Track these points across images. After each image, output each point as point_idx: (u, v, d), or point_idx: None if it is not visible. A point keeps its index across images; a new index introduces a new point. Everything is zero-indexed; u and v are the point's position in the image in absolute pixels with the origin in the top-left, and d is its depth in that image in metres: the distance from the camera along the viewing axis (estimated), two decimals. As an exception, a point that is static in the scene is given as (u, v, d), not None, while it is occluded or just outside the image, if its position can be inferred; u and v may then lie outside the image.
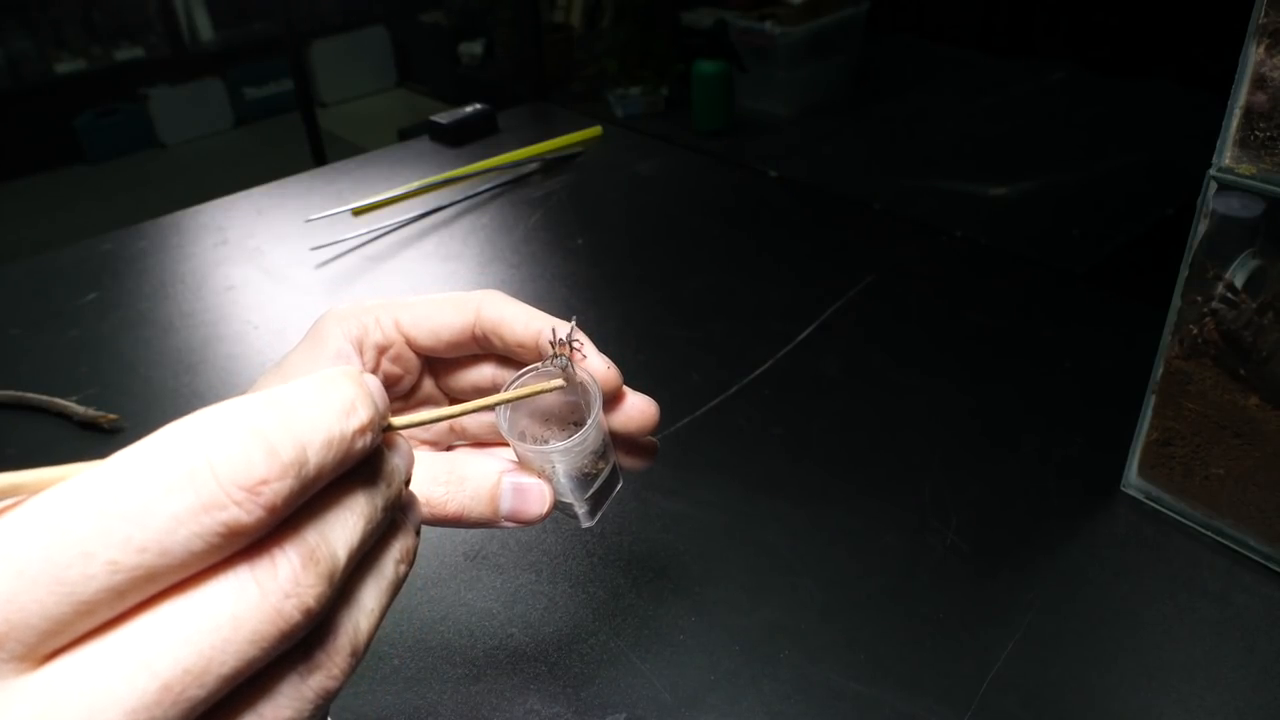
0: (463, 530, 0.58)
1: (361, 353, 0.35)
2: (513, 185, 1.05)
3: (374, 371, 0.36)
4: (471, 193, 1.02)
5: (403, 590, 0.53)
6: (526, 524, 0.34)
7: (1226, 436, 0.52)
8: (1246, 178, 0.47)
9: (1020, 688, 0.47)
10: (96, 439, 0.67)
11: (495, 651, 0.50)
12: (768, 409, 0.67)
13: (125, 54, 3.43)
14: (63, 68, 3.31)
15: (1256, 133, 0.46)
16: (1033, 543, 0.55)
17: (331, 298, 0.85)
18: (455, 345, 0.36)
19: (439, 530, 0.58)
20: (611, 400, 0.36)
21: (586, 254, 0.90)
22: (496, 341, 0.36)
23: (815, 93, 2.32)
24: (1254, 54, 0.45)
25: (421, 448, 0.40)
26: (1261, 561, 0.53)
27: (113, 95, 3.37)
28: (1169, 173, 1.79)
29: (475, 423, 0.39)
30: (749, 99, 2.32)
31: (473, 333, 0.36)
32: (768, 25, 2.23)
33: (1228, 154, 0.47)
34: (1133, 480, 0.58)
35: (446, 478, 0.33)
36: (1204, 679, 0.47)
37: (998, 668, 0.48)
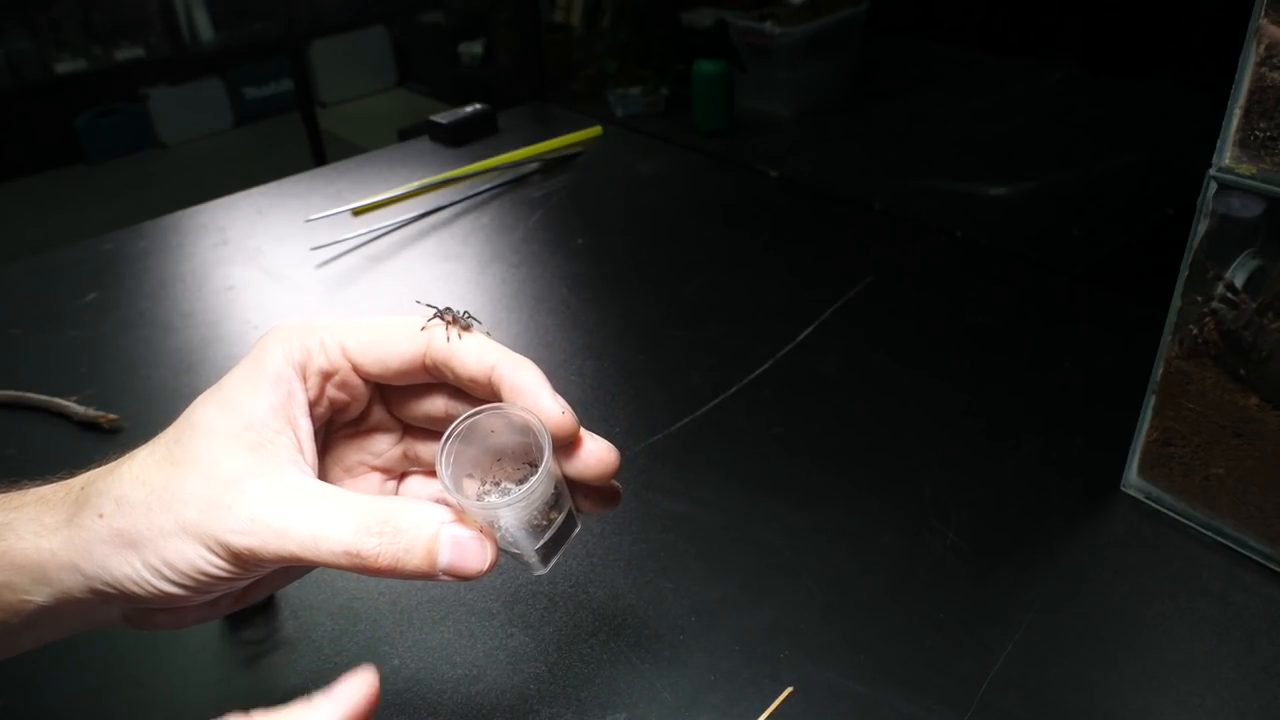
0: (463, 530, 0.58)
1: (305, 378, 0.34)
2: (513, 185, 1.05)
3: (317, 398, 0.35)
4: (471, 193, 1.02)
5: (402, 590, 0.53)
6: (466, 579, 0.32)
7: (1226, 436, 0.52)
8: (1246, 178, 0.47)
9: (1020, 688, 0.47)
10: (96, 439, 0.67)
11: (495, 651, 0.50)
12: (768, 409, 0.67)
13: (125, 54, 3.43)
14: (63, 68, 3.31)
15: (1256, 133, 0.46)
16: (1033, 543, 0.55)
17: (331, 298, 0.85)
18: (405, 375, 0.35)
19: (439, 530, 0.58)
20: (567, 446, 0.34)
21: (586, 254, 0.90)
22: (448, 374, 0.34)
23: (815, 93, 2.32)
24: (1254, 54, 0.45)
25: (370, 474, 0.39)
26: (1261, 561, 0.53)
27: (113, 95, 3.37)
28: (1169, 173, 1.79)
29: (430, 451, 0.37)
30: (749, 99, 2.32)
31: (423, 363, 0.34)
32: (768, 25, 2.23)
33: (1228, 154, 0.47)
34: (1133, 480, 0.58)
35: (380, 528, 0.31)
36: (1204, 679, 0.47)
37: (998, 668, 0.48)
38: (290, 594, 0.54)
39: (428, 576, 0.32)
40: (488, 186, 1.04)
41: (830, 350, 0.73)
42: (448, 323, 0.34)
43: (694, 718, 0.46)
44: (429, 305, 0.35)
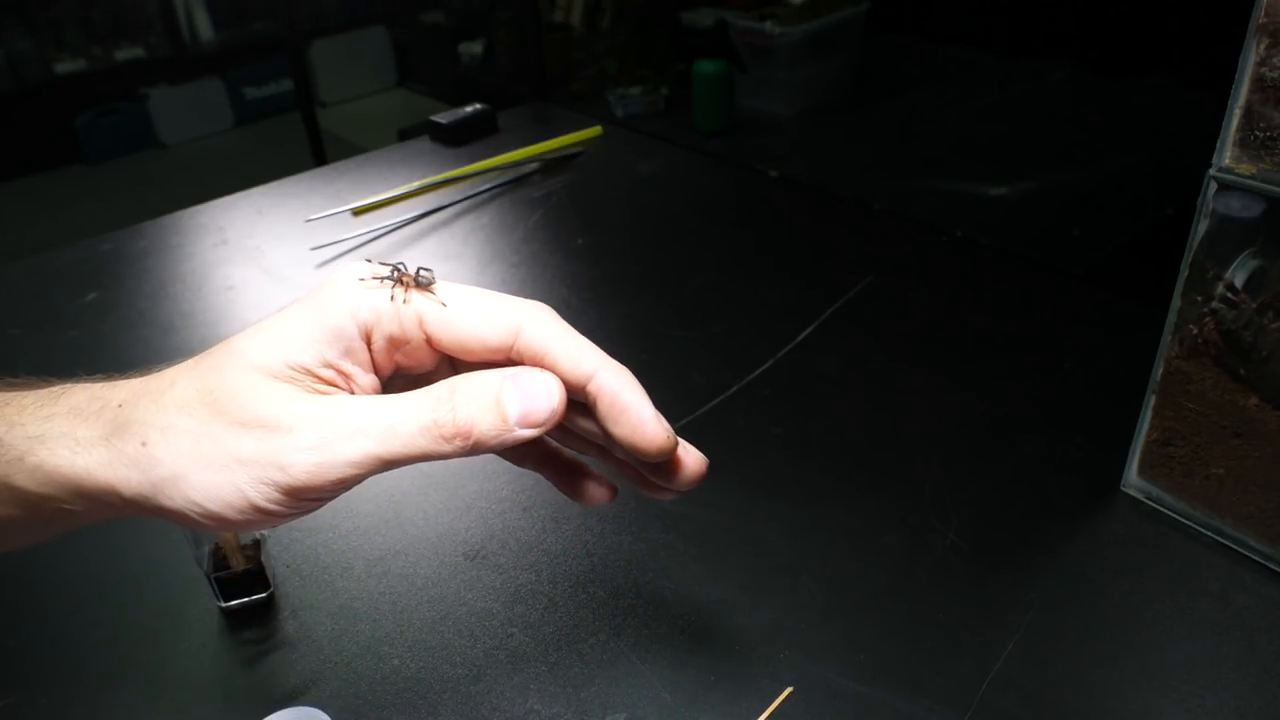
0: (463, 530, 0.58)
1: (369, 341, 0.32)
2: (513, 185, 1.05)
3: (381, 365, 0.33)
4: (471, 193, 1.02)
5: (402, 590, 0.53)
6: (542, 425, 0.30)
7: (1226, 436, 0.52)
8: (1246, 178, 0.47)
9: (1020, 688, 0.47)
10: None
11: (495, 651, 0.50)
12: (768, 409, 0.67)
13: (125, 54, 3.43)
14: (63, 68, 3.31)
15: (1256, 133, 0.46)
16: (1033, 543, 0.55)
17: (331, 298, 0.85)
18: (485, 361, 0.32)
19: (439, 530, 0.58)
20: (664, 466, 0.33)
21: (587, 254, 0.90)
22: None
23: (815, 93, 2.32)
24: (1254, 54, 0.45)
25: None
26: (1261, 561, 0.53)
27: (113, 95, 3.37)
28: (1169, 173, 1.79)
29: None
30: (749, 99, 2.32)
31: (508, 355, 0.32)
32: (768, 25, 2.23)
33: (1228, 154, 0.47)
34: (1133, 480, 0.58)
35: (449, 397, 0.30)
36: (1204, 679, 0.47)
37: (998, 668, 0.48)
38: (290, 594, 0.54)
39: (505, 434, 0.30)
40: (488, 186, 1.04)
41: (830, 350, 0.73)
42: (397, 282, 0.32)
43: (694, 718, 0.46)
44: (381, 263, 0.33)
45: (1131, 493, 0.58)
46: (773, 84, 2.29)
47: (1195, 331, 0.52)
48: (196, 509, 0.30)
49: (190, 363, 0.32)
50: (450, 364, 0.35)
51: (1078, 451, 0.62)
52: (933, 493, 0.59)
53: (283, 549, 0.57)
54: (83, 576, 0.56)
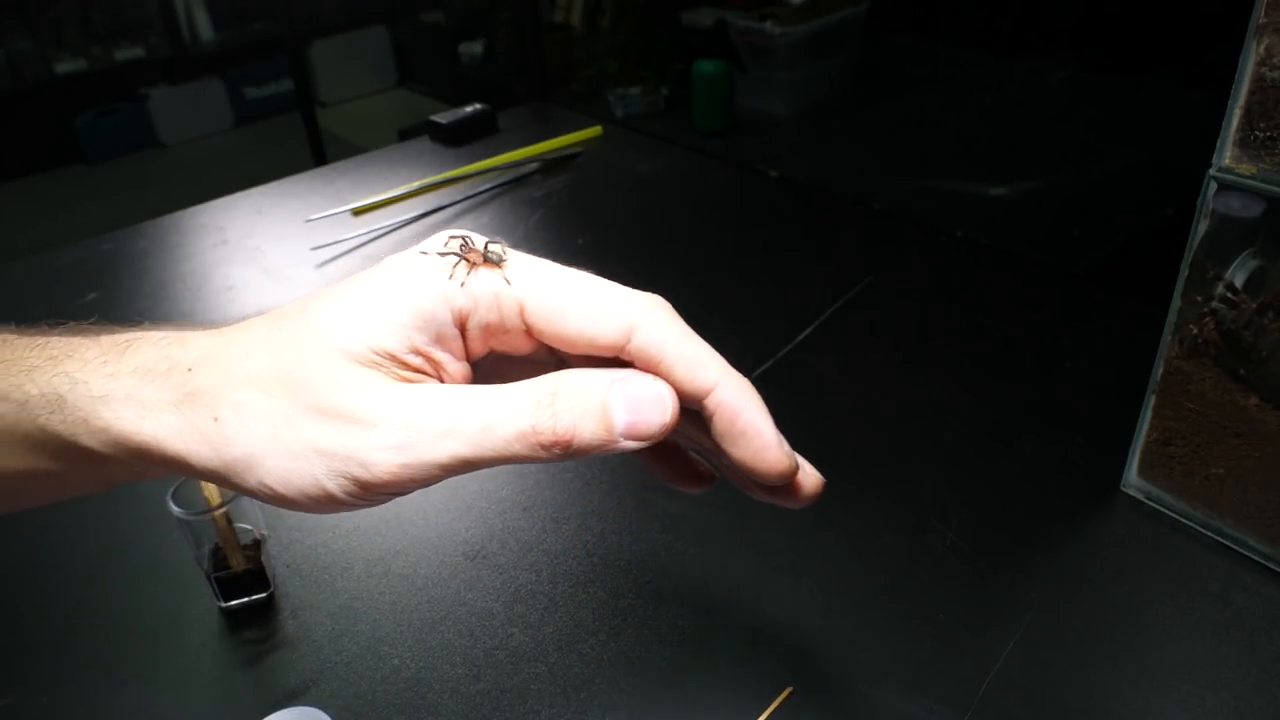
0: (463, 530, 0.58)
1: (463, 328, 0.29)
2: (513, 185, 1.05)
3: (474, 350, 0.30)
4: (471, 193, 1.02)
5: (402, 590, 0.53)
6: (649, 439, 0.28)
7: (1226, 436, 0.52)
8: (1246, 178, 0.47)
9: (1020, 688, 0.47)
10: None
11: (495, 651, 0.50)
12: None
13: (125, 54, 3.43)
14: (63, 68, 3.31)
15: (1256, 133, 0.46)
16: (1033, 543, 0.55)
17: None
18: (591, 358, 0.30)
19: (439, 530, 0.58)
20: (781, 487, 0.31)
21: (587, 254, 0.90)
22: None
23: (815, 93, 2.32)
24: (1254, 54, 0.45)
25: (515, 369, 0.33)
26: (1261, 561, 0.53)
27: (113, 95, 3.37)
28: (1169, 173, 1.79)
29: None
30: (749, 99, 2.32)
31: (618, 356, 0.29)
32: (768, 25, 2.23)
33: (1228, 154, 0.47)
34: (1133, 480, 0.58)
35: (550, 399, 0.27)
36: (1204, 679, 0.47)
37: (998, 668, 0.48)
38: (290, 594, 0.54)
39: (608, 446, 0.27)
40: (488, 186, 1.04)
41: (830, 350, 0.73)
42: (462, 259, 0.29)
43: (694, 718, 0.46)
44: (451, 236, 0.29)
45: (1131, 493, 0.58)
46: (773, 84, 2.29)
47: (1195, 331, 0.52)
48: (269, 492, 0.28)
49: (264, 328, 0.29)
50: (549, 347, 0.32)
51: (1078, 451, 0.62)
52: (933, 493, 0.59)
53: (283, 549, 0.57)
54: (83, 576, 0.56)
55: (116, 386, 0.29)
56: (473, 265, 0.29)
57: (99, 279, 0.89)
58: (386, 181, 1.04)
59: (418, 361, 0.28)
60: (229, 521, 0.52)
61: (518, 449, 0.27)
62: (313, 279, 0.88)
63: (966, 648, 0.49)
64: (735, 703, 0.46)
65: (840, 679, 0.47)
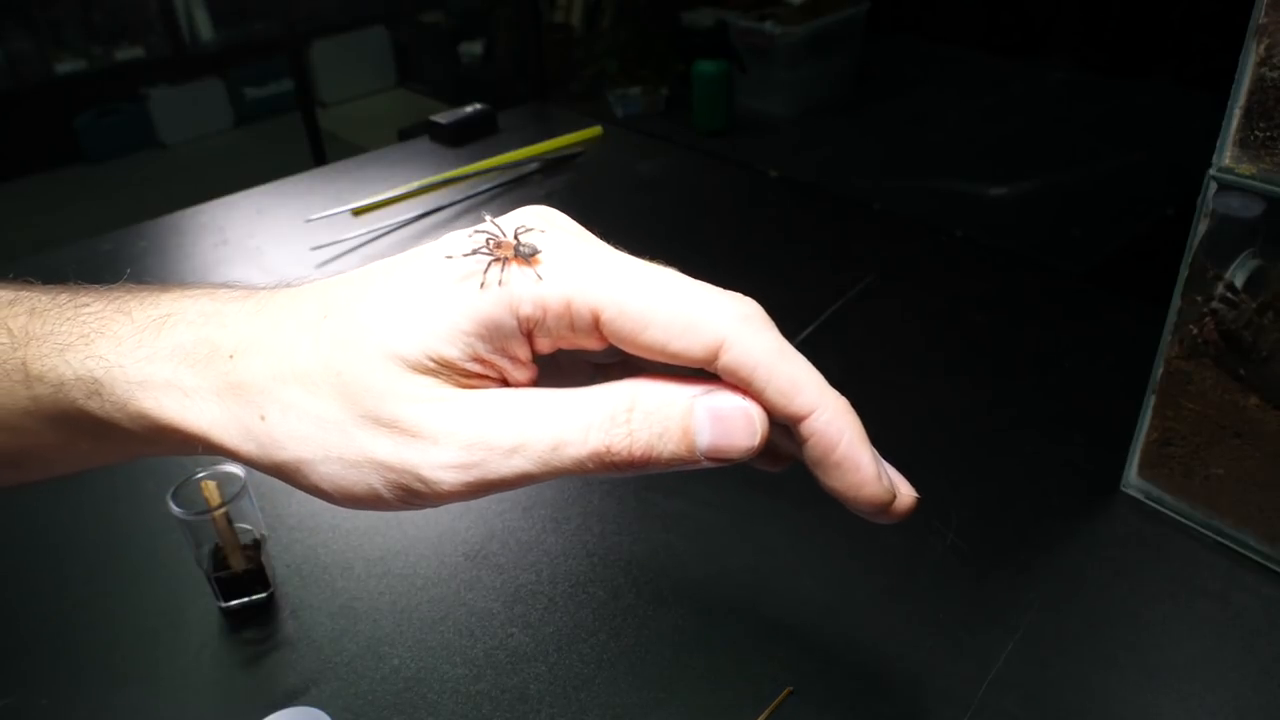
0: (463, 530, 0.58)
1: (531, 338, 0.26)
2: (513, 185, 1.05)
3: (537, 352, 0.27)
4: (471, 193, 1.02)
5: (402, 590, 0.53)
6: (733, 460, 0.26)
7: (1226, 436, 0.52)
8: (1246, 178, 0.47)
9: (1020, 688, 0.47)
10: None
11: (495, 651, 0.50)
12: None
13: (125, 54, 3.43)
14: (63, 68, 3.31)
15: (1256, 133, 0.46)
16: (1033, 543, 0.55)
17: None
18: (671, 370, 0.27)
19: (439, 530, 0.58)
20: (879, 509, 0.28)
21: (586, 254, 0.90)
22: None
23: (815, 93, 2.32)
24: (1254, 54, 0.45)
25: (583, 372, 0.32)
26: (1261, 561, 0.53)
27: (113, 95, 3.37)
28: (1169, 173, 1.79)
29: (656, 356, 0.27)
30: (749, 99, 2.32)
31: (703, 371, 0.26)
32: (768, 25, 2.22)
33: (1228, 154, 0.47)
34: (1133, 480, 0.58)
35: (626, 416, 0.25)
36: (1204, 679, 0.47)
37: (998, 668, 0.48)
38: (290, 594, 0.54)
39: (688, 462, 0.26)
40: (488, 186, 1.04)
41: (830, 350, 0.73)
42: (493, 260, 0.26)
43: (694, 718, 0.46)
44: (476, 231, 0.27)
45: (1131, 493, 0.58)
46: (773, 84, 2.28)
47: (1195, 331, 0.52)
48: (321, 494, 0.27)
49: (311, 313, 0.27)
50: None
51: (1078, 451, 0.62)
52: (933, 493, 0.59)
53: (283, 549, 0.57)
54: (83, 576, 0.56)
55: (155, 371, 0.27)
56: (504, 263, 0.26)
57: (99, 279, 0.89)
58: (386, 181, 1.04)
59: (479, 368, 0.26)
60: (229, 521, 0.52)
61: (589, 467, 0.25)
62: (313, 279, 0.88)
63: (966, 648, 0.49)
64: (735, 703, 0.46)
65: (840, 679, 0.47)
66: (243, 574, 0.52)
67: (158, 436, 0.28)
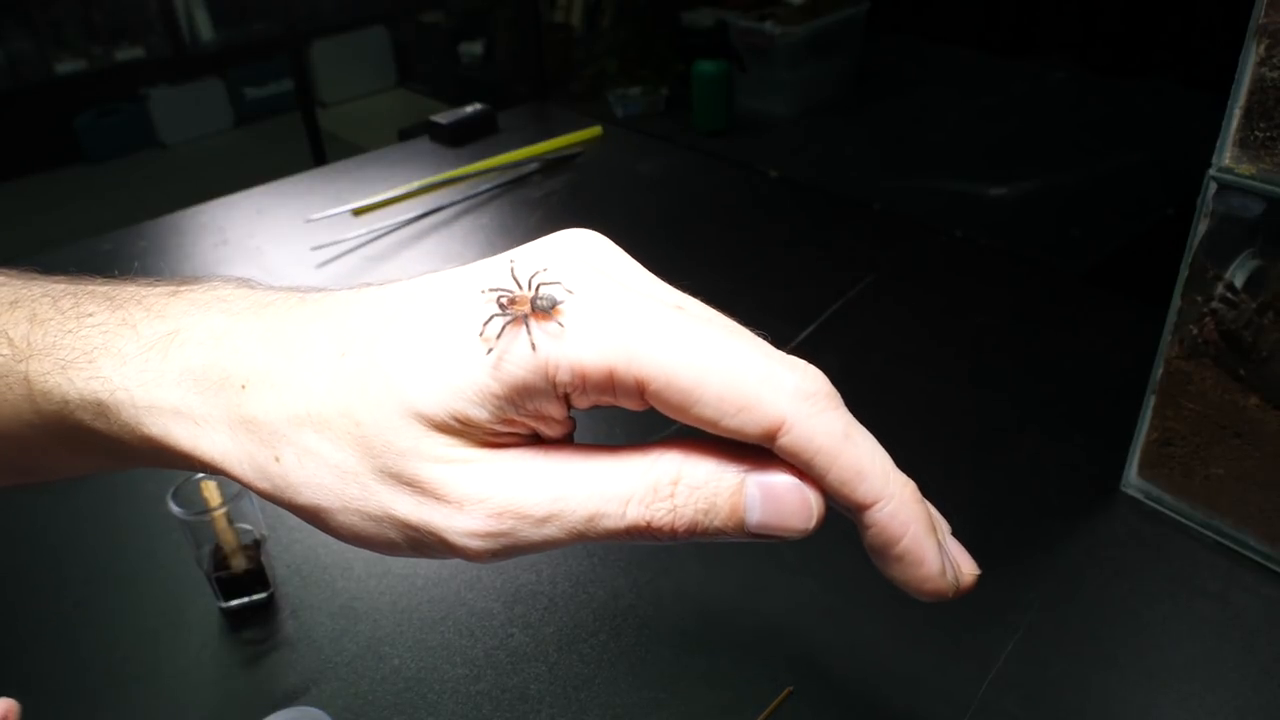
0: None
1: (566, 401, 0.24)
2: (513, 185, 1.05)
3: (575, 407, 0.25)
4: (471, 193, 1.02)
5: (402, 590, 0.53)
6: (785, 539, 0.24)
7: (1226, 436, 0.52)
8: (1246, 178, 0.47)
9: (1020, 688, 0.47)
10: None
11: (495, 651, 0.50)
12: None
13: (125, 54, 3.43)
14: (63, 68, 3.31)
15: (1256, 133, 0.46)
16: (1033, 543, 0.55)
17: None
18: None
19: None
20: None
21: (586, 254, 0.90)
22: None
23: (815, 93, 2.32)
24: (1254, 54, 0.45)
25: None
26: (1261, 561, 0.53)
27: (113, 95, 3.37)
28: (1169, 173, 1.79)
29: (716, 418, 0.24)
30: (749, 99, 2.32)
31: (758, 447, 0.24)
32: (768, 25, 2.22)
33: (1228, 154, 0.47)
34: (1133, 480, 0.58)
35: (669, 489, 0.24)
36: (1204, 679, 0.47)
37: (998, 668, 0.48)
38: (290, 594, 0.54)
39: (733, 537, 0.24)
40: (488, 186, 1.04)
41: (830, 350, 0.73)
42: (510, 320, 0.24)
43: (694, 718, 0.46)
44: (491, 288, 0.24)
45: (1131, 493, 0.58)
46: (773, 84, 2.28)
47: (1195, 331, 0.52)
48: (339, 538, 0.26)
49: (326, 347, 0.26)
50: None
51: (1078, 451, 0.62)
52: (932, 493, 0.59)
53: (283, 549, 0.57)
54: (83, 576, 0.56)
55: (163, 396, 0.26)
56: (520, 319, 0.23)
57: (99, 279, 0.89)
58: (386, 181, 1.04)
59: (508, 428, 0.24)
60: (229, 521, 0.52)
61: (625, 538, 0.24)
62: (313, 279, 0.88)
63: (966, 648, 0.49)
64: (735, 703, 0.46)
65: (840, 679, 0.47)
66: (243, 574, 0.52)
67: (168, 459, 0.27)
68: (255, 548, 0.53)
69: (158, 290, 0.29)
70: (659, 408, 0.24)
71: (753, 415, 0.23)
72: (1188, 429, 0.54)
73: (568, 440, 0.26)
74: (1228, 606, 0.51)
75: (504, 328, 0.23)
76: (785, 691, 0.47)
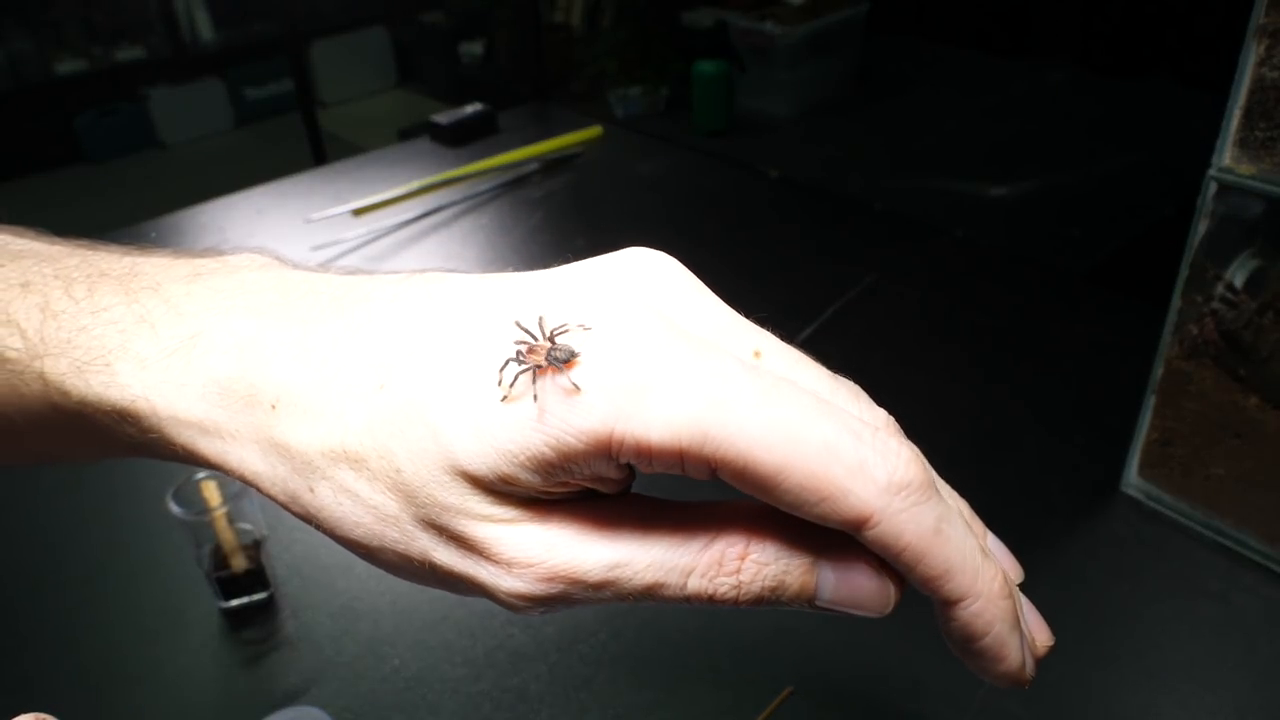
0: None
1: (623, 467, 0.22)
2: (513, 185, 1.05)
3: (624, 472, 0.23)
4: (472, 193, 1.02)
5: (403, 590, 0.53)
6: (843, 615, 0.24)
7: (1226, 436, 0.52)
8: (1246, 178, 0.47)
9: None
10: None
11: (495, 651, 0.50)
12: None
13: (125, 54, 3.43)
14: (63, 68, 3.31)
15: (1256, 133, 0.46)
16: (1033, 542, 0.55)
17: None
18: None
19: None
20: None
21: (587, 254, 0.90)
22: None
23: (815, 93, 2.32)
24: (1254, 54, 0.45)
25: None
26: (1261, 561, 0.53)
27: (113, 95, 3.37)
28: (1169, 173, 1.79)
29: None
30: (749, 99, 2.32)
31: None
32: (768, 25, 2.22)
33: (1228, 154, 0.47)
34: (1133, 480, 0.58)
35: (736, 564, 0.22)
36: (1204, 679, 0.47)
37: (998, 668, 0.48)
38: (290, 594, 0.54)
39: (800, 609, 0.24)
40: (488, 187, 1.04)
41: (830, 350, 0.73)
42: (523, 373, 0.22)
43: (694, 717, 0.46)
44: (518, 346, 0.22)
45: (1131, 493, 0.58)
46: (773, 84, 2.28)
47: (1195, 331, 0.52)
48: (378, 569, 0.25)
49: (365, 380, 0.23)
50: None
51: (1078, 451, 0.62)
52: (933, 493, 0.59)
53: (283, 549, 0.57)
54: (83, 576, 0.56)
55: (188, 407, 0.25)
56: (535, 374, 0.21)
57: (99, 279, 0.89)
58: (386, 181, 1.04)
59: (561, 487, 0.23)
60: (229, 521, 0.52)
61: (679, 604, 0.23)
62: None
63: (966, 648, 0.49)
64: (735, 703, 0.46)
65: (840, 679, 0.47)
66: (243, 574, 0.52)
67: (197, 461, 0.26)
68: (255, 548, 0.53)
69: (176, 273, 0.27)
70: (734, 485, 0.22)
71: (837, 506, 0.21)
72: (1188, 429, 0.54)
73: (625, 493, 0.24)
74: (1228, 606, 0.51)
75: (517, 377, 0.22)
76: (785, 691, 0.47)
